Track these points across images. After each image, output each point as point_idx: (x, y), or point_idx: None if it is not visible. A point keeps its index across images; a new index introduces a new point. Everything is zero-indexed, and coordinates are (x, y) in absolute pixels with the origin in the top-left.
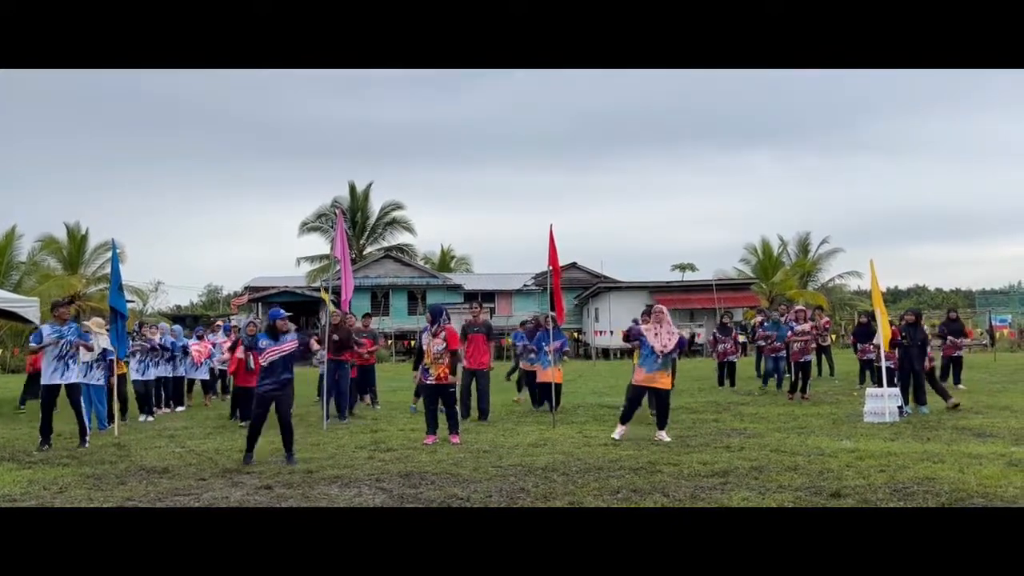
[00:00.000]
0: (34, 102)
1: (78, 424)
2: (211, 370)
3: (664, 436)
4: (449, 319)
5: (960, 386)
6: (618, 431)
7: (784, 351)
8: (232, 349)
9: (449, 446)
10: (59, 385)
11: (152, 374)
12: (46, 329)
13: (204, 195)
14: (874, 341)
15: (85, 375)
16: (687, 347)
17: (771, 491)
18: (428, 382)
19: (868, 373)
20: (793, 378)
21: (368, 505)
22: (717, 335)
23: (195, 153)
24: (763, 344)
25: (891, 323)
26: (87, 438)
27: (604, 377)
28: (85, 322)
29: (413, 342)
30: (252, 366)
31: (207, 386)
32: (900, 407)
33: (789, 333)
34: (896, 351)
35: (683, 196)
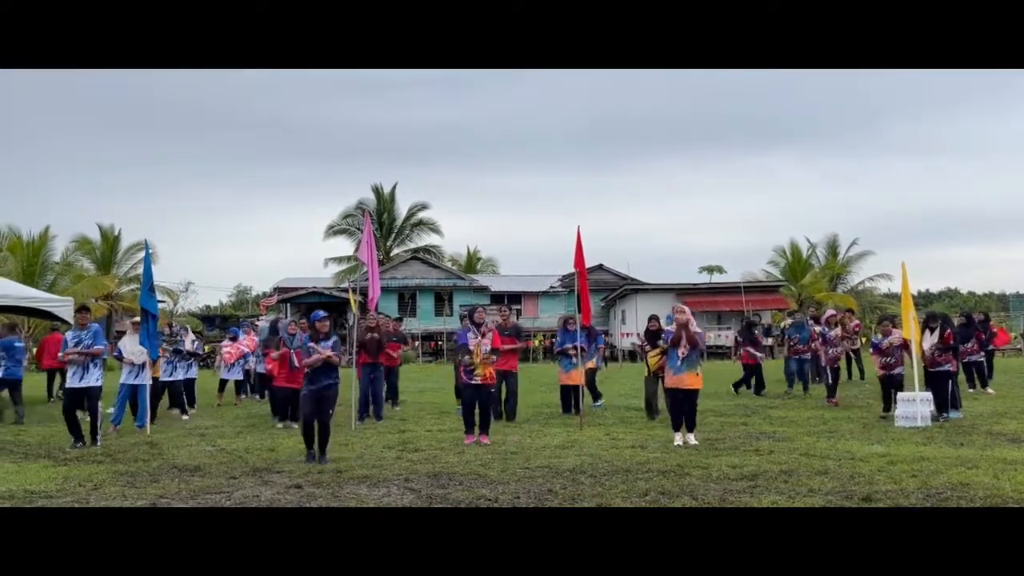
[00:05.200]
0: (55, 104)
1: (91, 425)
2: (246, 371)
3: (692, 438)
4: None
5: (989, 390)
6: (677, 438)
7: (808, 353)
8: (275, 349)
9: (477, 447)
10: (82, 388)
11: (179, 375)
12: (69, 335)
13: (230, 196)
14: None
15: (137, 376)
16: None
17: (801, 495)
18: (472, 382)
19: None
20: (831, 380)
21: (397, 505)
22: (739, 339)
23: (219, 155)
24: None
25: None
26: (99, 438)
27: (631, 379)
28: (131, 320)
29: (440, 342)
30: (296, 364)
31: (239, 386)
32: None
33: (812, 334)
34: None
35: (708, 198)
